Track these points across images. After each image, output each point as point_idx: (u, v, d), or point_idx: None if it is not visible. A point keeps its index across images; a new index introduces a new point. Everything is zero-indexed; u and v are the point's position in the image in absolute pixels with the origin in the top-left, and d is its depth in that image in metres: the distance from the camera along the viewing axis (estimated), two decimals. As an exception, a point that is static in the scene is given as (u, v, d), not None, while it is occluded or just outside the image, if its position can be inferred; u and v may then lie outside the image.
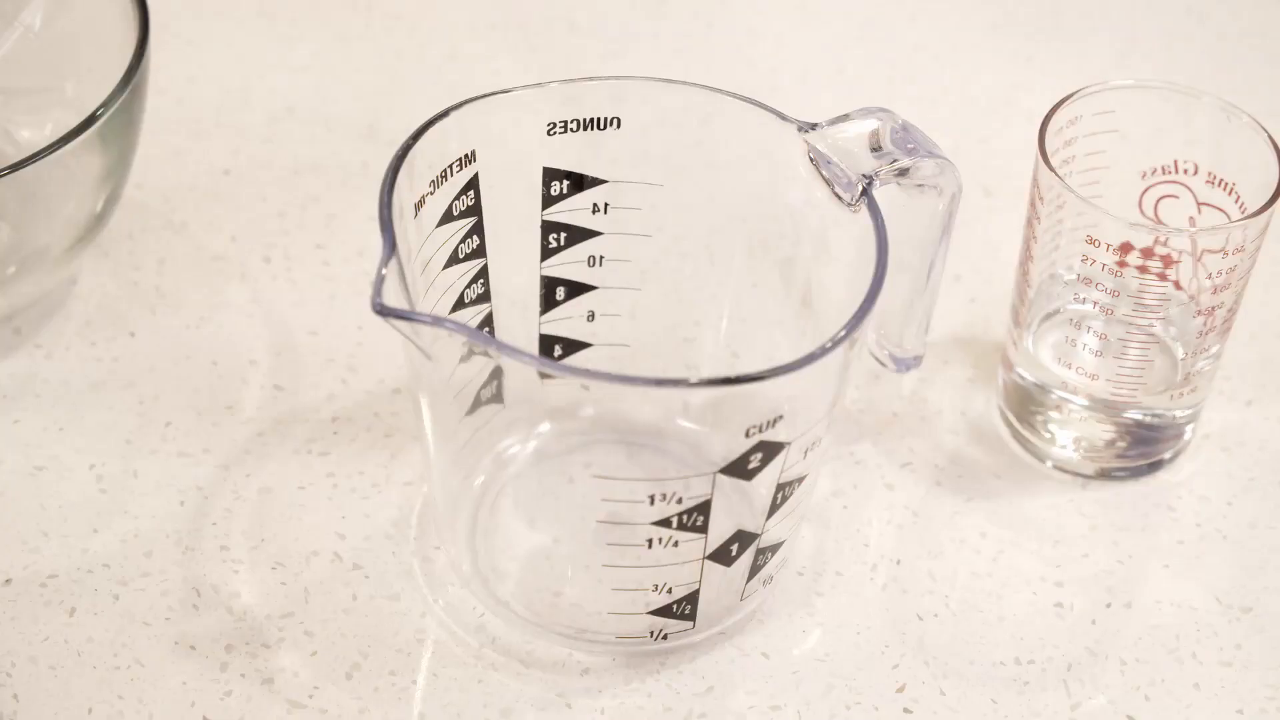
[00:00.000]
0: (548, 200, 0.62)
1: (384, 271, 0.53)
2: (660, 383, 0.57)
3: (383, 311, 0.53)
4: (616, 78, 0.62)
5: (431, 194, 0.59)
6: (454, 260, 0.61)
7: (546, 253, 0.63)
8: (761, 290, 0.64)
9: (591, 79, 0.62)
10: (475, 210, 0.61)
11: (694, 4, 0.87)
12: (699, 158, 0.63)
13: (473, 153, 0.60)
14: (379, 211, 0.56)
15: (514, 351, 0.55)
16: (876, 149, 0.60)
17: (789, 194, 0.61)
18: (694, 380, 0.56)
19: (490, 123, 0.60)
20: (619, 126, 0.62)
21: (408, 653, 0.61)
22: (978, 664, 0.62)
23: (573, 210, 0.63)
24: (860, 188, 0.59)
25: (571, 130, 0.62)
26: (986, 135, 0.81)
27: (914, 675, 0.62)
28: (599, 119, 0.62)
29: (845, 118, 0.60)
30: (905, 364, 0.67)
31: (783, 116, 0.61)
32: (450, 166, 0.59)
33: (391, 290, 0.53)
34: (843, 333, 0.55)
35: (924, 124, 0.63)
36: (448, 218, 0.60)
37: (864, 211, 0.59)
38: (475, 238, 0.61)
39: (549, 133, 0.61)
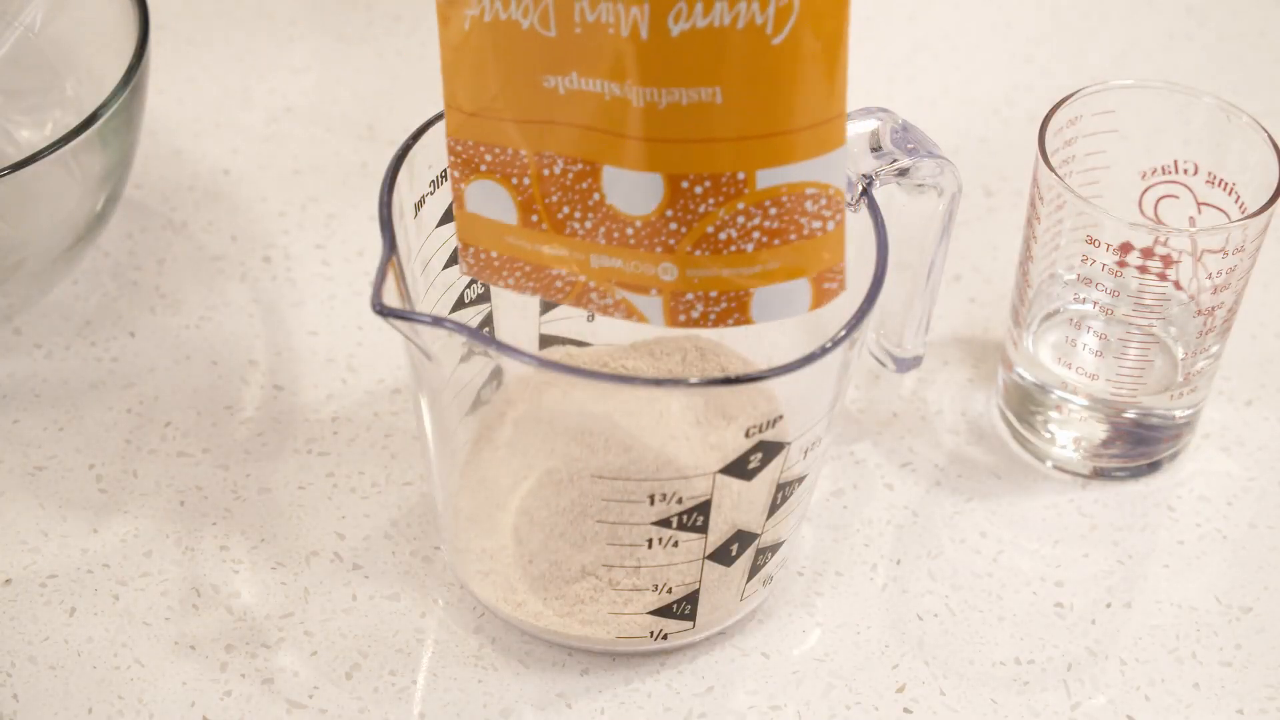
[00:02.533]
0: (548, 200, 0.62)
1: (384, 271, 0.53)
2: (660, 383, 0.57)
3: (383, 311, 0.53)
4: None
5: (431, 194, 0.59)
6: (454, 260, 0.61)
7: (546, 253, 0.63)
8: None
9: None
10: (475, 210, 0.61)
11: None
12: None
13: (473, 153, 0.60)
14: (379, 211, 0.56)
15: (514, 351, 0.54)
16: (876, 149, 0.60)
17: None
18: (694, 380, 0.56)
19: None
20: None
21: (408, 653, 0.61)
22: (978, 664, 0.62)
23: (573, 210, 0.63)
24: (860, 188, 0.59)
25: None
26: (986, 135, 0.81)
27: (914, 675, 0.62)
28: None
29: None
30: (905, 364, 0.67)
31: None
32: (450, 166, 0.59)
33: (391, 290, 0.53)
34: (843, 333, 0.55)
35: (924, 124, 0.63)
36: (448, 218, 0.60)
37: (864, 211, 0.59)
38: (475, 238, 0.61)
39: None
